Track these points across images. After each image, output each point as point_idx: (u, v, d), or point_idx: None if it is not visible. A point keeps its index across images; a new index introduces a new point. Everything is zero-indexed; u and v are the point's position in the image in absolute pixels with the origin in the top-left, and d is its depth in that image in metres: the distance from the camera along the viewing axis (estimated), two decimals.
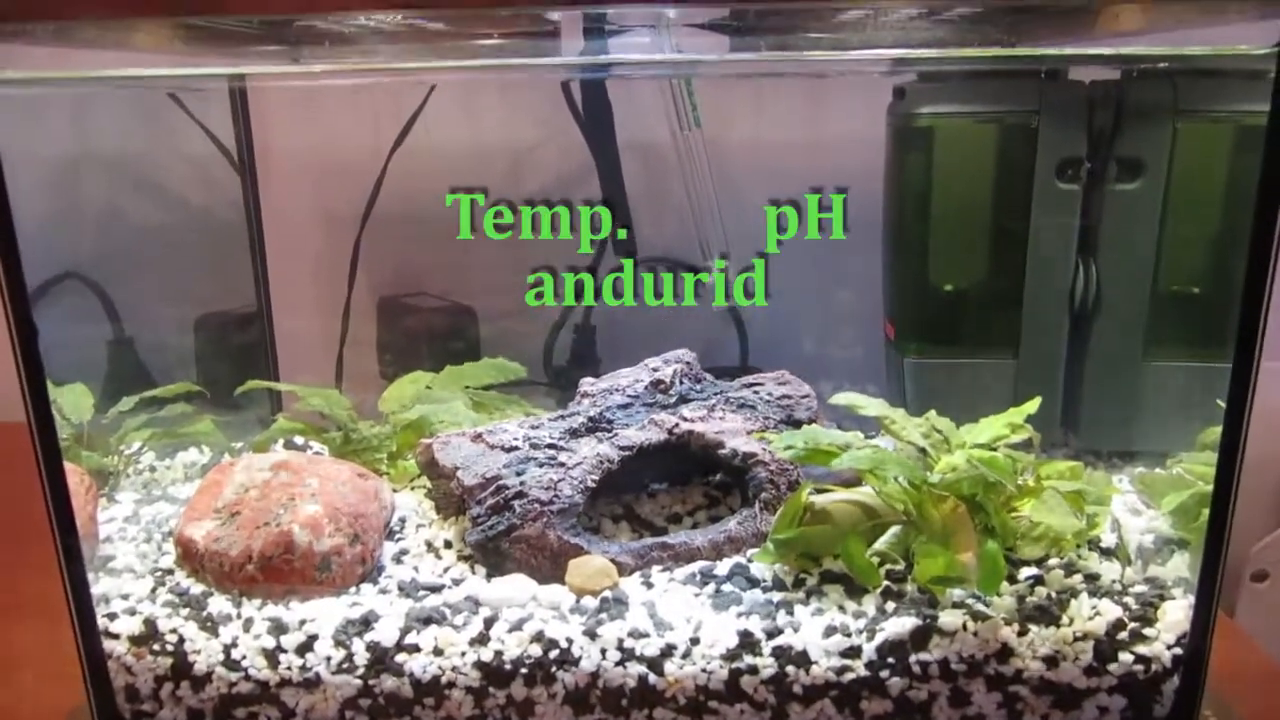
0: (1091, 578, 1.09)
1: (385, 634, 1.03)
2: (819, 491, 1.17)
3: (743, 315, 1.80)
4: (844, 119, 1.69)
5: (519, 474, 1.16)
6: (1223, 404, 0.91)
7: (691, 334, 1.63)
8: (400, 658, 1.02)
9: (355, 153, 1.76)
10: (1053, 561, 1.11)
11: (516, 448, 1.19)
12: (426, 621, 1.05)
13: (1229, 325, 0.94)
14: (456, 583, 1.12)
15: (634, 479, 1.29)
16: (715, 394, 1.27)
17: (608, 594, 1.08)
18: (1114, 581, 1.09)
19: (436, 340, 1.79)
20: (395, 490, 1.33)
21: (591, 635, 1.02)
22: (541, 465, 1.17)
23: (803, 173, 1.74)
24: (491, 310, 1.84)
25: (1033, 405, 1.15)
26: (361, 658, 1.02)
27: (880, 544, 1.10)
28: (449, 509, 1.27)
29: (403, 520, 1.26)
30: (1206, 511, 1.09)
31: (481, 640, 1.03)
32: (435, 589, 1.11)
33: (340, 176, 1.78)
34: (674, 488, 1.31)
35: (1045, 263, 1.30)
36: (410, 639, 1.03)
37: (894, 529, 1.11)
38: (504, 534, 1.13)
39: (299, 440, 1.45)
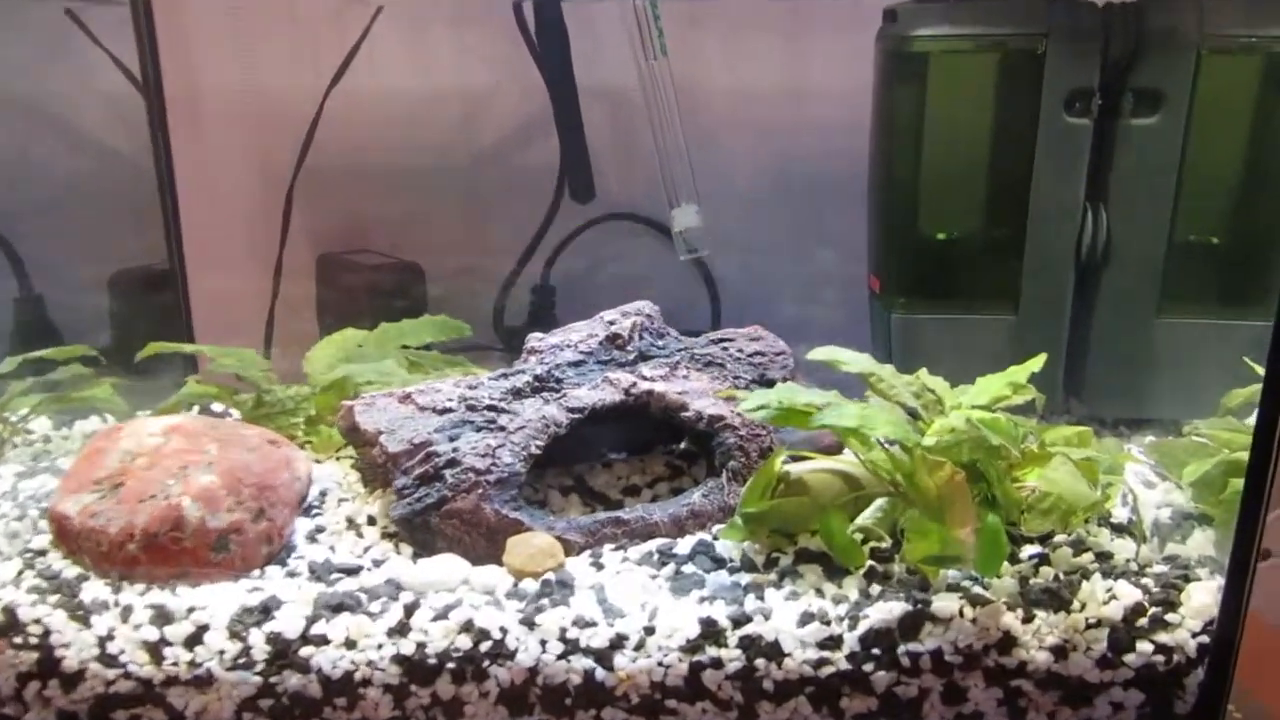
0: (1103, 556, 0.96)
1: (288, 624, 0.88)
2: (795, 459, 1.02)
3: (714, 273, 1.66)
4: (827, 51, 1.53)
5: (452, 439, 1.01)
6: (1254, 364, 0.77)
7: (660, 295, 1.49)
8: (306, 651, 0.88)
9: (288, 89, 1.59)
10: (1059, 538, 0.98)
11: (450, 409, 1.04)
12: (337, 609, 0.90)
13: (1255, 277, 0.79)
14: (378, 564, 0.98)
15: (586, 446, 1.14)
16: (679, 351, 1.12)
17: (550, 576, 0.94)
18: (1129, 561, 0.96)
19: (381, 300, 1.63)
20: (318, 461, 1.17)
21: (530, 624, 0.88)
22: (479, 429, 1.02)
23: (780, 111, 1.60)
24: (441, 268, 1.68)
25: (1037, 362, 1.01)
26: (261, 651, 0.88)
27: (864, 518, 0.96)
28: (376, 481, 1.11)
29: (324, 493, 1.11)
30: (1234, 483, 0.96)
31: (401, 630, 0.88)
32: (351, 571, 0.96)
33: (270, 118, 1.61)
34: (632, 457, 1.17)
35: (1050, 207, 1.15)
36: (318, 629, 0.88)
37: (879, 501, 0.97)
38: (433, 508, 0.98)
39: (217, 408, 1.29)
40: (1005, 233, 1.17)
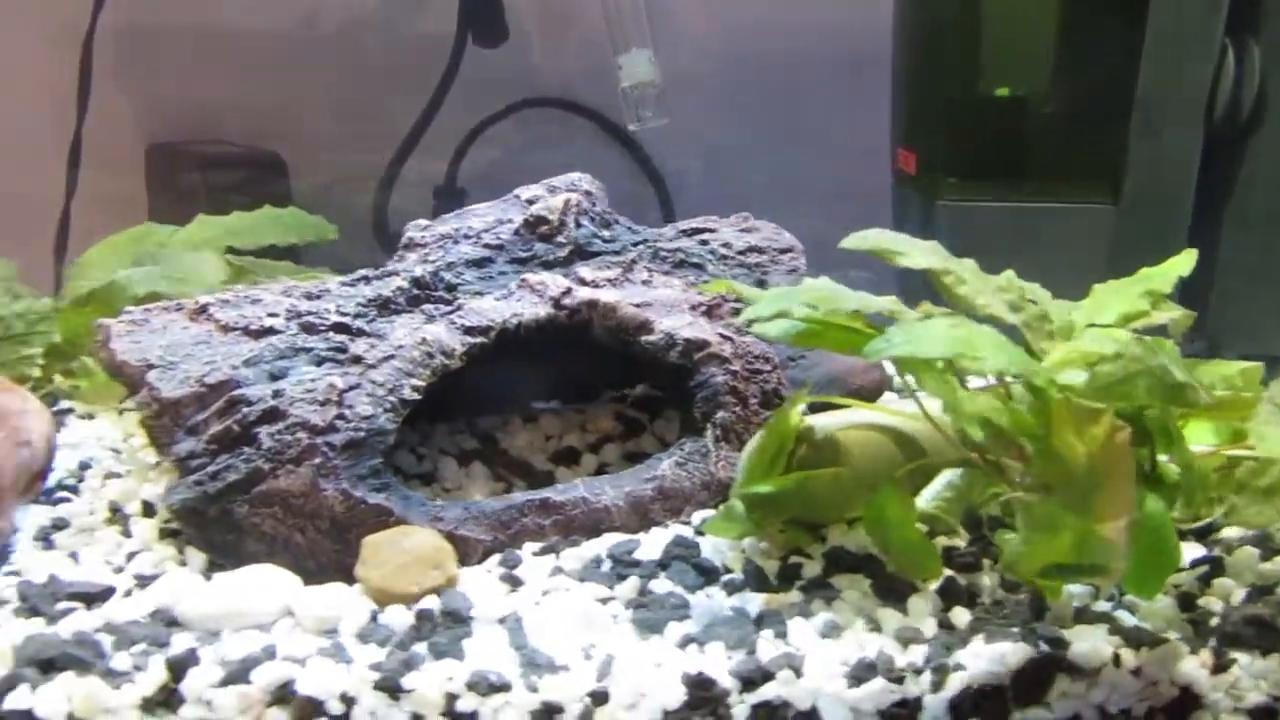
0: None
1: None
2: (817, 409, 0.67)
3: (663, 169, 1.29)
4: None
5: (275, 377, 0.63)
6: None
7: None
8: None
9: None
10: (1230, 532, 0.64)
11: (274, 330, 0.65)
12: (48, 667, 0.51)
13: None
14: (143, 583, 0.59)
15: (497, 390, 0.77)
16: (635, 246, 0.75)
17: (433, 602, 0.56)
18: None
19: (230, 198, 1.22)
20: (89, 416, 0.78)
21: (392, 690, 0.51)
22: (319, 361, 0.64)
23: None
24: (309, 162, 1.28)
25: (1184, 262, 0.67)
26: None
27: (926, 501, 0.61)
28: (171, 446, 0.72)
29: (85, 466, 0.72)
30: None
31: (166, 702, 0.50)
32: (94, 597, 0.58)
33: None
34: (566, 407, 0.80)
35: (1171, 46, 0.80)
36: (17, 703, 0.50)
37: (948, 475, 0.64)
38: (239, 489, 0.60)
39: None
40: (1102, 86, 0.82)
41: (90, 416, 0.79)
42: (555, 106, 1.35)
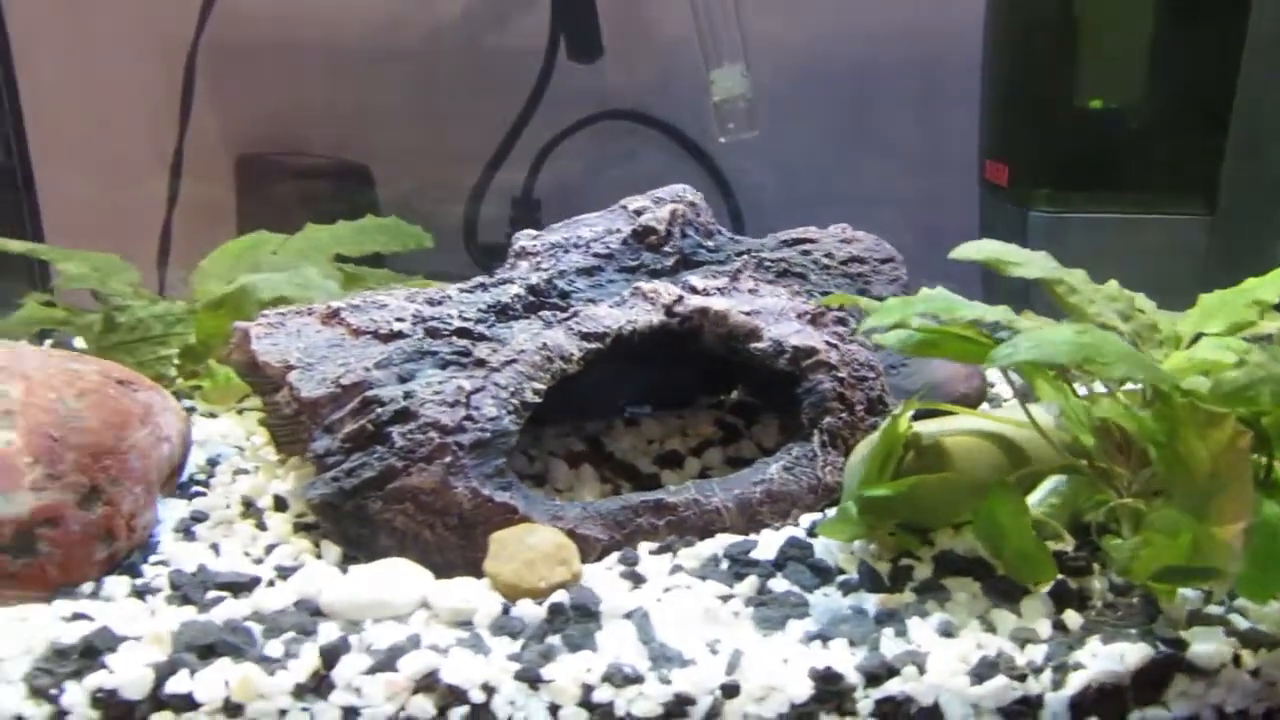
0: None
1: (127, 676, 0.53)
2: (922, 416, 0.68)
3: (730, 181, 1.31)
4: None
5: (404, 379, 0.66)
6: None
7: None
8: None
9: None
10: None
11: (401, 334, 0.68)
12: (208, 653, 0.54)
13: None
14: (284, 574, 0.62)
15: (600, 395, 0.79)
16: (738, 255, 0.77)
17: (563, 596, 0.59)
18: None
19: (318, 208, 1.26)
20: (212, 415, 0.81)
21: (532, 681, 0.53)
22: (444, 364, 0.67)
23: None
24: (395, 172, 1.32)
25: None
26: None
27: (1032, 507, 0.63)
28: (295, 444, 0.76)
29: (214, 463, 0.75)
30: None
31: (316, 689, 0.53)
32: (241, 586, 0.61)
33: None
34: (663, 411, 0.82)
35: (1268, 59, 0.80)
36: (177, 687, 0.53)
37: (1053, 481, 0.65)
38: (373, 485, 0.63)
39: (78, 344, 0.91)
40: (1197, 95, 0.83)
41: (213, 415, 0.83)
42: (628, 119, 1.37)
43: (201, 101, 1.26)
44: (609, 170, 1.40)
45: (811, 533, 0.66)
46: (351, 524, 0.64)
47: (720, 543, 0.65)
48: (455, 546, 0.64)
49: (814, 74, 1.32)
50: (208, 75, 1.25)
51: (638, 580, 0.62)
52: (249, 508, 0.70)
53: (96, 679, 0.53)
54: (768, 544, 0.64)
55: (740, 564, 0.63)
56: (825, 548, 0.64)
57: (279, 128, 1.37)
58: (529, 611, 0.59)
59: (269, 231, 0.98)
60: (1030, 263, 0.63)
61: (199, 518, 0.68)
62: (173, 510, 0.68)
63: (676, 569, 0.63)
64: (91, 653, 0.55)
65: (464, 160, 1.34)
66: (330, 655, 0.54)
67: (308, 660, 0.54)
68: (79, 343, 0.88)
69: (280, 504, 0.70)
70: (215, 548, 0.65)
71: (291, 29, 1.32)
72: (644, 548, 0.65)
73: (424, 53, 1.36)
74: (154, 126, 1.23)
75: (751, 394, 0.84)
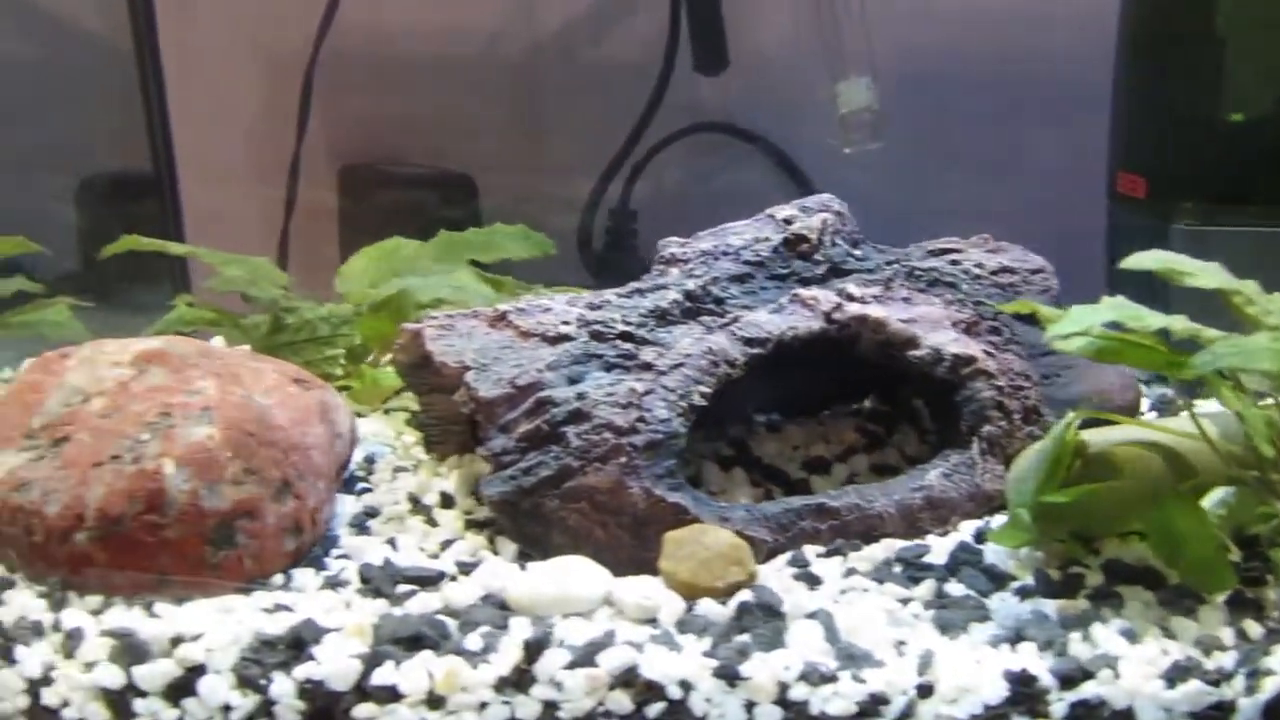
0: None
1: (334, 667, 0.54)
2: (1089, 425, 0.68)
3: (827, 188, 1.31)
4: None
5: (573, 380, 0.67)
6: None
7: None
8: (362, 713, 0.53)
9: None
10: None
11: (568, 336, 0.69)
12: (413, 644, 0.56)
13: None
14: (465, 570, 0.63)
15: (743, 400, 0.80)
16: (888, 265, 0.77)
17: (747, 595, 0.59)
18: None
19: (421, 217, 1.29)
20: (359, 415, 0.83)
21: (730, 678, 0.54)
22: (610, 367, 0.68)
23: None
24: (497, 182, 1.34)
25: None
26: (289, 713, 0.53)
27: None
28: (447, 443, 0.77)
29: (370, 460, 0.77)
30: None
31: (518, 683, 0.54)
32: (428, 580, 0.62)
33: None
34: (802, 418, 0.83)
35: None
36: (383, 678, 0.54)
37: (1221, 493, 0.64)
38: (550, 484, 0.64)
39: (220, 344, 0.94)
40: None
41: (359, 415, 0.84)
42: (722, 132, 1.38)
43: (313, 112, 1.29)
44: (702, 183, 1.41)
45: (979, 539, 0.67)
46: (528, 522, 0.65)
47: (889, 547, 0.65)
48: (627, 545, 0.65)
49: (910, 84, 1.32)
50: (321, 87, 1.28)
51: (813, 582, 0.63)
52: (416, 504, 0.71)
53: (305, 670, 0.55)
54: (941, 549, 0.65)
55: (914, 568, 0.63)
56: (995, 554, 0.65)
57: (380, 138, 1.39)
58: (713, 610, 0.59)
59: (372, 240, 1.00)
60: (1204, 273, 0.63)
61: (371, 513, 0.70)
62: (345, 506, 0.70)
63: (851, 572, 0.63)
64: (299, 644, 0.56)
65: (561, 170, 1.35)
66: (534, 649, 0.55)
67: (509, 654, 0.55)
68: (218, 341, 0.91)
69: (447, 501, 0.71)
70: (392, 542, 0.67)
71: (391, 39, 1.35)
72: (810, 550, 0.66)
73: (522, 64, 1.38)
74: (271, 137, 1.26)
75: (882, 402, 0.84)
